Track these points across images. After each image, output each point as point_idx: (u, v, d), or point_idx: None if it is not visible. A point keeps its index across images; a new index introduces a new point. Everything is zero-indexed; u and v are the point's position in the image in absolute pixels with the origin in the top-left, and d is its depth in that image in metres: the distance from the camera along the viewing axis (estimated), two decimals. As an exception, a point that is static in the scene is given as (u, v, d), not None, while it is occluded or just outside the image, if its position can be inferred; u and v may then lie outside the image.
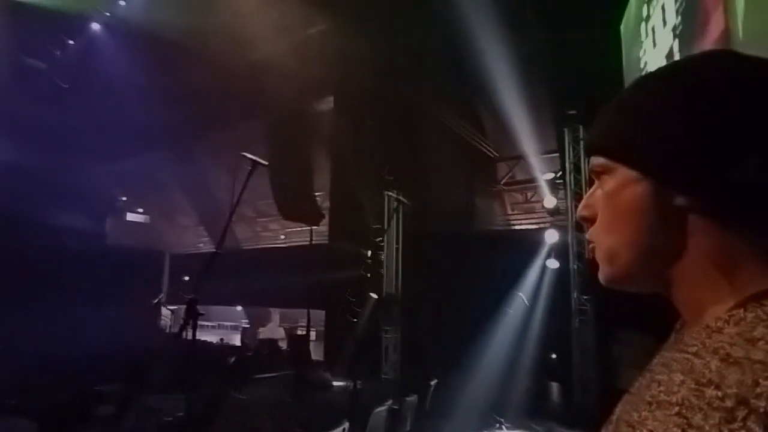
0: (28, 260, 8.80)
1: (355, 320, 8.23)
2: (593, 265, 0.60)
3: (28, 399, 4.97)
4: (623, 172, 0.55)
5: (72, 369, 6.00)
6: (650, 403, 0.48)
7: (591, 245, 0.60)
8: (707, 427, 0.40)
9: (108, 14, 12.12)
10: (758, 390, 0.38)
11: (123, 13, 11.76)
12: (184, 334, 2.52)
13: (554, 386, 8.77)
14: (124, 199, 16.09)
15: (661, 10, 5.22)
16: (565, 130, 8.35)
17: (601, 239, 0.58)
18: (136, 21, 11.35)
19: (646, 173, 0.53)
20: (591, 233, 0.60)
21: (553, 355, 9.09)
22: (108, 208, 14.56)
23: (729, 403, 0.39)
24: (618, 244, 0.55)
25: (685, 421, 0.42)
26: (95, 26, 12.60)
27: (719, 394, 0.41)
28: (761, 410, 0.37)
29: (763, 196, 0.47)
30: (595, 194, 0.60)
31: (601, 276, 0.58)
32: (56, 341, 6.70)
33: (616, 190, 0.56)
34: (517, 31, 9.45)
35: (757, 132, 0.47)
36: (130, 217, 15.78)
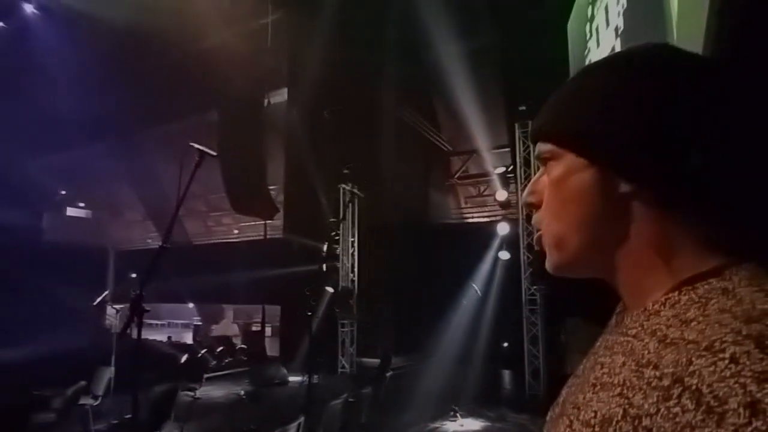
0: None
1: (311, 315, 8.15)
2: (542, 256, 0.60)
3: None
4: (570, 159, 0.55)
5: (9, 373, 5.65)
6: (594, 385, 0.49)
7: (538, 232, 0.60)
8: (646, 406, 0.41)
9: (42, -5, 11.37)
10: (691, 368, 0.40)
11: (60, -6, 11.06)
12: (128, 332, 2.42)
13: (506, 374, 9.05)
14: (64, 192, 15.20)
15: (604, 11, 5.42)
16: (516, 125, 8.57)
17: (548, 226, 0.58)
18: (76, 3, 10.70)
19: (594, 160, 0.53)
20: (537, 219, 0.60)
21: (505, 344, 9.37)
22: (46, 202, 13.71)
23: (666, 382, 0.41)
24: (565, 231, 0.56)
25: (626, 401, 0.43)
26: (28, 8, 11.80)
27: (657, 373, 0.42)
28: (694, 387, 0.38)
29: (703, 186, 0.49)
30: (541, 180, 0.60)
31: (549, 263, 0.59)
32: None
33: (563, 177, 0.56)
34: (469, 28, 9.60)
35: (699, 123, 0.49)
36: (71, 212, 14.91)
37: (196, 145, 2.23)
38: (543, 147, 0.59)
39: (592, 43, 5.95)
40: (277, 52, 10.94)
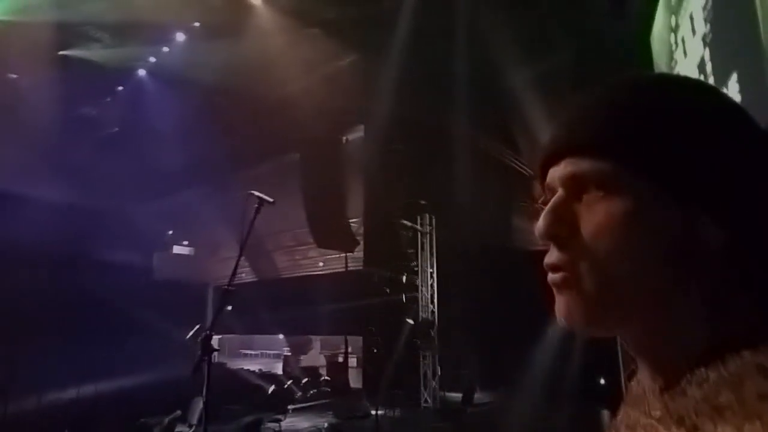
0: (82, 295, 9.29)
1: (391, 347, 8.14)
2: (551, 299, 0.50)
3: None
4: (640, 189, 0.44)
5: (118, 402, 6.22)
6: None
7: (561, 274, 0.48)
8: None
9: (153, 60, 12.89)
10: None
11: (166, 59, 12.48)
12: (213, 362, 2.59)
13: (605, 413, 8.33)
14: (171, 233, 16.79)
15: (689, 20, 5.10)
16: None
17: (593, 269, 0.46)
18: (178, 65, 12.02)
19: (684, 198, 0.43)
20: (562, 257, 0.48)
21: (602, 380, 8.65)
22: (155, 242, 15.23)
23: None
24: (620, 280, 0.45)
25: None
26: (141, 72, 13.42)
27: None
28: None
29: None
30: (571, 207, 0.48)
31: (581, 317, 0.47)
32: (104, 375, 6.98)
33: (632, 211, 0.44)
34: (543, 49, 9.38)
35: None
36: (176, 249, 16.43)
37: (256, 193, 2.40)
38: (588, 165, 0.47)
39: (678, 54, 5.58)
40: (354, 92, 11.43)
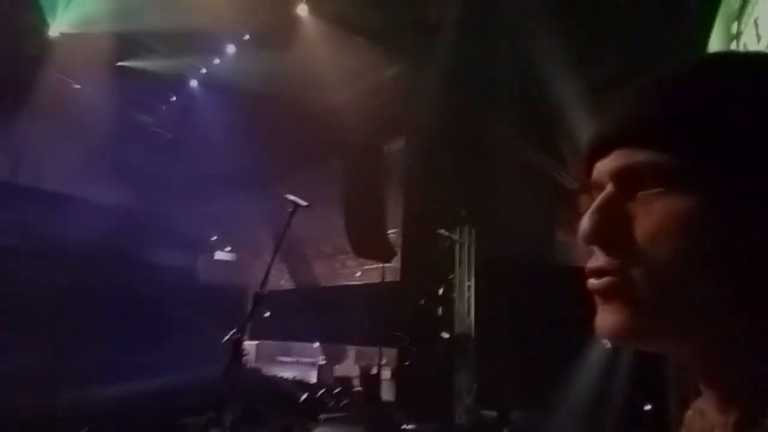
0: (127, 294, 9.69)
1: (426, 360, 8.01)
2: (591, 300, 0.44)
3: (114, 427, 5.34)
4: (705, 186, 0.38)
5: (156, 400, 6.39)
6: None
7: (608, 279, 0.42)
8: None
9: (205, 71, 13.43)
10: None
11: (217, 70, 12.98)
12: (233, 372, 2.59)
13: (652, 442, 7.88)
14: (215, 238, 17.30)
15: (753, 26, 4.88)
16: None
17: (647, 276, 0.40)
18: (228, 76, 12.48)
19: (757, 198, 0.37)
20: (617, 262, 0.41)
21: (648, 407, 8.21)
22: (200, 247, 15.74)
23: None
24: (677, 287, 0.38)
25: None
26: (193, 83, 14.01)
27: None
28: None
29: None
30: (624, 207, 0.42)
31: (627, 326, 0.41)
32: (143, 373, 7.21)
33: (693, 211, 0.38)
34: (594, 59, 9.13)
35: None
36: (219, 255, 16.95)
37: (290, 197, 2.40)
38: (644, 157, 0.41)
39: (740, 63, 5.33)
40: (396, 102, 11.48)
